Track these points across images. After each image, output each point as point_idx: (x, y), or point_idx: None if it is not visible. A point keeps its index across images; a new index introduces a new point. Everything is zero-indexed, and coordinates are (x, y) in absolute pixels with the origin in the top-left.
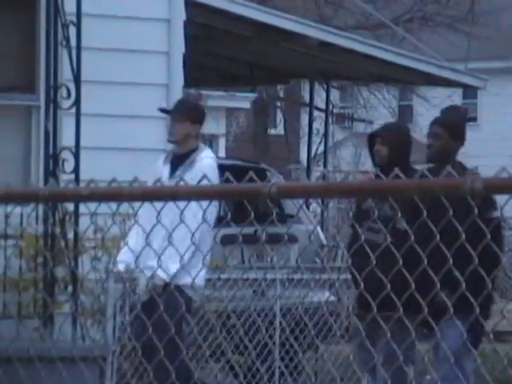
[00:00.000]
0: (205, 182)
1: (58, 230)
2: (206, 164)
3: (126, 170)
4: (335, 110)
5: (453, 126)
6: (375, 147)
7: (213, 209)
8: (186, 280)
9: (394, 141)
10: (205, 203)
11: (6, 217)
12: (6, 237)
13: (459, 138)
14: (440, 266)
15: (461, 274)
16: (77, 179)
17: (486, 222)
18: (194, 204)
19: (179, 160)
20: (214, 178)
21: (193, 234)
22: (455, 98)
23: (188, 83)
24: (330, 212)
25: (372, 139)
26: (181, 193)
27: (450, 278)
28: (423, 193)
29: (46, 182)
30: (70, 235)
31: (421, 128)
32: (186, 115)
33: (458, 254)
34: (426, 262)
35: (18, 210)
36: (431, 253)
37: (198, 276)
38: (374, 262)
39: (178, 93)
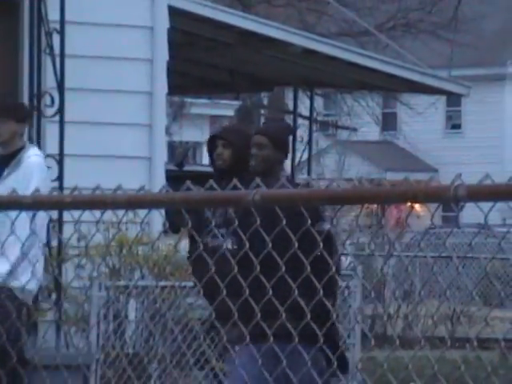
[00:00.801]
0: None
1: None
2: (32, 162)
3: (109, 178)
4: (319, 118)
5: (277, 137)
6: (217, 150)
7: (42, 221)
8: (15, 283)
9: (236, 144)
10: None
11: None
12: None
13: (283, 149)
14: (272, 278)
15: (290, 288)
16: (61, 187)
17: (316, 235)
18: (24, 215)
19: (6, 161)
20: (41, 176)
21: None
22: (439, 105)
23: (171, 91)
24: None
25: (213, 142)
26: (163, 200)
27: (283, 295)
28: (407, 200)
29: None
30: (54, 243)
31: (404, 135)
32: (9, 115)
33: (288, 267)
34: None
35: None
36: (262, 265)
37: (29, 282)
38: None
39: (161, 100)
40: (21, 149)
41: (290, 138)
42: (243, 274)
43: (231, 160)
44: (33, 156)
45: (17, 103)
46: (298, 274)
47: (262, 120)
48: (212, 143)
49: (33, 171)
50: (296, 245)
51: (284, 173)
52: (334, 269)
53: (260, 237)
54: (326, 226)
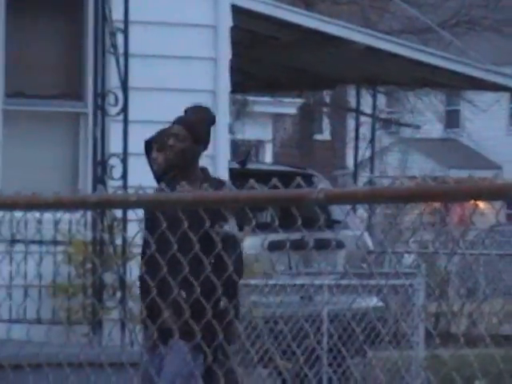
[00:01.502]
0: None
1: (106, 236)
2: None
3: None
4: (382, 115)
5: (197, 128)
6: (152, 155)
7: None
8: None
9: None
10: None
11: (56, 223)
12: (55, 243)
13: (203, 140)
14: (173, 274)
15: (188, 288)
16: (125, 185)
17: (215, 236)
18: None
19: None
20: None
21: None
22: (503, 102)
23: (234, 89)
24: (376, 217)
25: (148, 146)
26: (227, 199)
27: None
28: (471, 198)
29: (94, 188)
30: (119, 241)
31: (468, 133)
32: None
33: (188, 267)
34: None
35: (66, 216)
36: (166, 265)
37: None
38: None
39: (224, 99)
40: None
41: (212, 128)
42: (151, 271)
43: (165, 163)
44: None
45: None
46: (195, 273)
47: (325, 118)
48: (148, 148)
49: None
50: (196, 245)
51: (198, 167)
52: (231, 269)
53: (164, 236)
54: (227, 227)
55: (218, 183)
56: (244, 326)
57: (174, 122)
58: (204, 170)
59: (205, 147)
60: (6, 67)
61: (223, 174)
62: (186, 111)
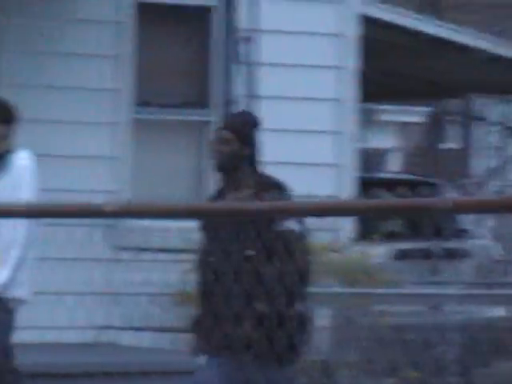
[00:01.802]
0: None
1: None
2: (22, 166)
3: (299, 185)
4: (510, 124)
5: (242, 130)
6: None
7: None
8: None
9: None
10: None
11: (187, 232)
12: (182, 251)
13: (249, 143)
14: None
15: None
16: None
17: (275, 236)
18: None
19: None
20: (31, 180)
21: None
22: None
23: (364, 98)
24: (505, 227)
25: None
26: (351, 208)
27: (250, 310)
28: None
29: None
30: None
31: None
32: None
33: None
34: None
35: (194, 224)
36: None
37: (23, 289)
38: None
39: (350, 108)
40: (8, 151)
41: (256, 130)
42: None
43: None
44: (22, 160)
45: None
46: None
47: (452, 127)
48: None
49: (25, 175)
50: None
51: (250, 169)
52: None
53: (225, 243)
54: (292, 225)
55: (275, 187)
56: (370, 336)
57: (218, 128)
58: (261, 175)
59: (253, 150)
60: (136, 77)
61: (349, 184)
62: (229, 116)
